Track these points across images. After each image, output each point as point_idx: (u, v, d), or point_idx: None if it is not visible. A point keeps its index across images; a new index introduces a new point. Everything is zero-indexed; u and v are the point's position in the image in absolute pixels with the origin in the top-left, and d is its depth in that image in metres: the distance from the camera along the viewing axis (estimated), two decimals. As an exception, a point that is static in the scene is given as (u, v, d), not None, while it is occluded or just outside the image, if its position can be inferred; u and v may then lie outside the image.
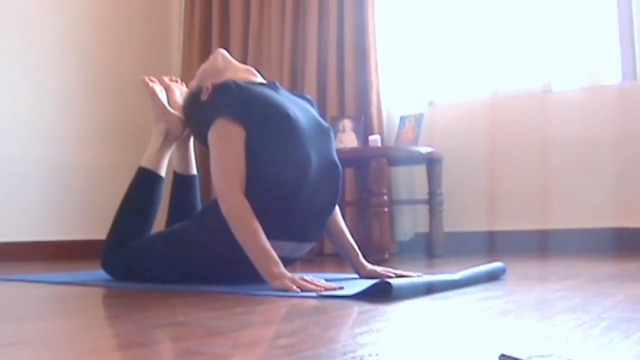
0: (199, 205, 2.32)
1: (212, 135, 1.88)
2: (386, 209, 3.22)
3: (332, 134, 2.05)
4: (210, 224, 1.92)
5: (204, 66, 2.13)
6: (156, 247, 2.06)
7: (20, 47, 3.79)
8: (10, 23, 3.76)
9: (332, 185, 1.98)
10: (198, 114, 2.03)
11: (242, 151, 1.85)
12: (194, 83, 2.13)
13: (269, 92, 1.96)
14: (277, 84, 2.08)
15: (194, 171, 2.35)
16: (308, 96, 2.20)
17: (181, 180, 2.33)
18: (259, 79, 2.08)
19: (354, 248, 2.05)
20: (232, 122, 1.86)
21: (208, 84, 2.03)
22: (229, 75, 2.03)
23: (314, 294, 1.56)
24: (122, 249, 2.11)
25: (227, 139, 1.85)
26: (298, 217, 1.88)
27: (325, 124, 2.04)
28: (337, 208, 2.08)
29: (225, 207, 1.79)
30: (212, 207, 1.95)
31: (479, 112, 3.71)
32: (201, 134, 1.98)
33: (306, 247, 2.00)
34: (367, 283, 1.59)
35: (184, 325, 1.16)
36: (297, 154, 1.87)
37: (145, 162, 2.23)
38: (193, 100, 2.09)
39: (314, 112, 2.07)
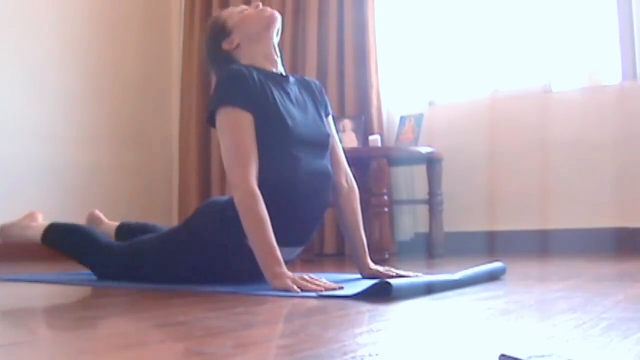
0: (154, 228, 2.41)
1: (220, 125, 1.85)
2: (386, 209, 3.22)
3: (330, 141, 2.03)
4: (205, 226, 1.92)
5: (250, 14, 2.01)
6: (149, 252, 2.05)
7: (20, 47, 3.79)
8: (10, 23, 3.76)
9: (323, 193, 1.98)
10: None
11: (252, 137, 1.83)
12: (225, 15, 2.04)
13: (275, 91, 1.92)
14: (291, 78, 2.03)
15: (116, 224, 2.51)
16: (316, 84, 2.13)
17: (122, 232, 2.46)
18: (278, 69, 2.02)
19: (363, 246, 2.05)
20: (240, 109, 1.84)
21: (236, 37, 1.99)
22: (251, 55, 1.99)
23: (314, 293, 1.56)
24: (109, 260, 2.12)
25: (237, 127, 1.83)
26: (287, 221, 1.87)
27: (325, 131, 2.02)
28: (357, 201, 2.08)
29: (236, 198, 1.78)
30: (206, 210, 1.96)
31: (479, 112, 3.71)
32: (208, 110, 1.93)
33: (296, 251, 2.01)
34: (367, 283, 1.59)
35: (184, 325, 1.15)
36: (286, 155, 1.87)
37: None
38: (214, 43, 2.04)
39: (316, 115, 2.02)
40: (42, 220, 2.46)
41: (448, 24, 3.91)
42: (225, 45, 2.01)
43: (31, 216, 2.48)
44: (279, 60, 2.03)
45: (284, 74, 2.02)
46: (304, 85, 2.09)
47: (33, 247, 3.75)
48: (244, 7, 2.06)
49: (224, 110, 1.85)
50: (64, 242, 2.28)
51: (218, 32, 2.03)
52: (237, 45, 2.00)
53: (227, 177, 1.83)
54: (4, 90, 3.71)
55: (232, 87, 1.86)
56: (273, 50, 2.02)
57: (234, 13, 2.04)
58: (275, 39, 2.03)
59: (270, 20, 2.00)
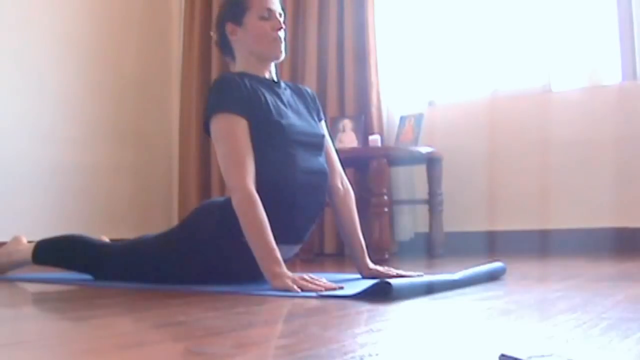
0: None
1: (215, 132, 1.87)
2: (386, 209, 3.22)
3: (324, 142, 2.04)
4: (203, 227, 1.92)
5: (264, 33, 1.95)
6: (147, 252, 2.05)
7: (20, 47, 3.79)
8: (10, 23, 3.76)
9: (320, 190, 1.99)
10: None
11: (247, 141, 1.84)
12: (251, 4, 1.97)
13: (267, 95, 1.93)
14: (283, 84, 2.05)
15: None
16: (308, 91, 2.15)
17: None
18: (270, 75, 2.03)
19: (361, 246, 2.05)
20: (234, 115, 1.85)
21: (241, 35, 1.97)
22: (245, 56, 1.99)
23: (314, 293, 1.56)
24: (107, 260, 2.12)
25: (231, 132, 1.84)
26: (285, 219, 1.87)
27: (319, 131, 2.03)
28: (353, 202, 2.09)
29: (234, 201, 1.79)
30: (204, 210, 1.96)
31: (479, 112, 3.70)
32: (203, 119, 1.94)
33: (294, 249, 2.02)
34: (367, 283, 1.59)
35: (184, 325, 1.16)
36: (282, 154, 1.88)
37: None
38: (222, 16, 2.02)
39: (310, 118, 2.04)
40: (26, 242, 2.43)
41: (448, 24, 3.91)
42: (228, 28, 2.00)
43: (16, 241, 2.44)
44: (272, 68, 2.05)
45: (275, 80, 2.04)
46: (296, 91, 2.12)
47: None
48: (272, 13, 1.98)
49: (218, 117, 1.86)
50: (57, 256, 2.25)
51: (232, 11, 2.00)
52: (237, 40, 2.00)
53: (225, 181, 1.84)
54: (4, 90, 3.71)
55: (224, 93, 1.88)
56: (260, 63, 2.03)
57: (258, 10, 1.97)
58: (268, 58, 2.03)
59: (273, 57, 2.00)
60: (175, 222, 4.31)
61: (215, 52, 4.32)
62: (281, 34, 1.98)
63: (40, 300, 1.78)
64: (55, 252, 2.26)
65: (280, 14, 2.00)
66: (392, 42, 3.85)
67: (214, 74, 4.31)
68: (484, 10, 3.81)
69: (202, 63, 4.39)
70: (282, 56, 2.01)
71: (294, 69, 4.05)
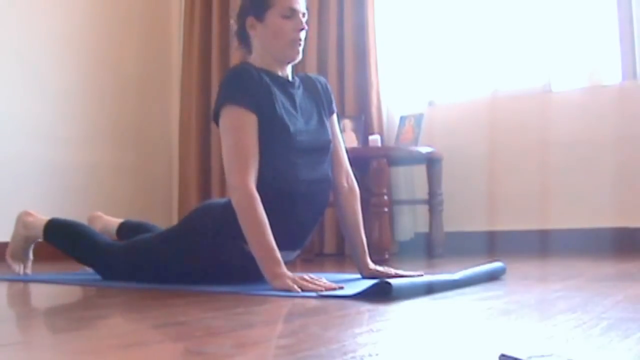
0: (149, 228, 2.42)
1: (223, 124, 1.85)
2: (386, 209, 3.22)
3: (331, 147, 2.02)
4: (203, 226, 1.92)
5: (284, 32, 1.93)
6: (147, 252, 2.05)
7: (20, 47, 3.79)
8: (10, 23, 3.76)
9: (321, 199, 1.98)
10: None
11: (255, 139, 1.82)
12: (275, 2, 1.93)
13: (280, 96, 1.91)
14: (297, 80, 2.02)
15: (118, 221, 2.52)
16: (321, 81, 2.11)
17: (123, 230, 2.47)
18: (285, 72, 2.00)
19: (363, 246, 2.04)
20: (244, 109, 1.83)
21: (260, 31, 1.94)
22: (262, 53, 1.97)
23: (314, 293, 1.56)
24: (109, 260, 2.13)
25: (239, 127, 1.82)
26: (284, 226, 1.86)
27: (327, 137, 2.00)
28: (357, 201, 2.06)
29: (234, 200, 1.78)
30: (205, 210, 1.96)
31: (479, 112, 3.70)
32: (215, 108, 1.92)
33: (294, 254, 2.02)
34: (367, 283, 1.59)
35: (184, 325, 1.16)
36: (285, 161, 1.86)
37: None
38: (244, 10, 1.98)
39: (319, 122, 2.01)
40: (36, 214, 2.50)
41: (448, 24, 3.90)
42: (248, 22, 1.97)
43: (25, 213, 2.51)
44: (289, 66, 2.02)
45: (290, 79, 2.01)
46: (309, 85, 2.07)
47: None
48: (295, 12, 1.95)
49: (228, 109, 1.84)
50: (63, 241, 2.31)
51: (255, 5, 1.96)
52: (256, 35, 1.97)
53: (226, 177, 1.83)
54: (4, 90, 3.71)
55: (237, 86, 1.85)
56: (277, 61, 2.00)
57: (281, 8, 1.93)
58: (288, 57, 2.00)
59: (288, 59, 1.97)
60: (175, 222, 4.31)
61: (215, 51, 4.32)
62: (302, 34, 1.96)
63: (40, 300, 1.78)
64: (62, 236, 2.31)
65: (303, 14, 1.98)
66: (392, 42, 3.85)
67: (214, 74, 4.31)
68: (483, 10, 3.81)
69: (202, 63, 4.39)
70: (298, 58, 1.98)
71: (294, 68, 4.04)
